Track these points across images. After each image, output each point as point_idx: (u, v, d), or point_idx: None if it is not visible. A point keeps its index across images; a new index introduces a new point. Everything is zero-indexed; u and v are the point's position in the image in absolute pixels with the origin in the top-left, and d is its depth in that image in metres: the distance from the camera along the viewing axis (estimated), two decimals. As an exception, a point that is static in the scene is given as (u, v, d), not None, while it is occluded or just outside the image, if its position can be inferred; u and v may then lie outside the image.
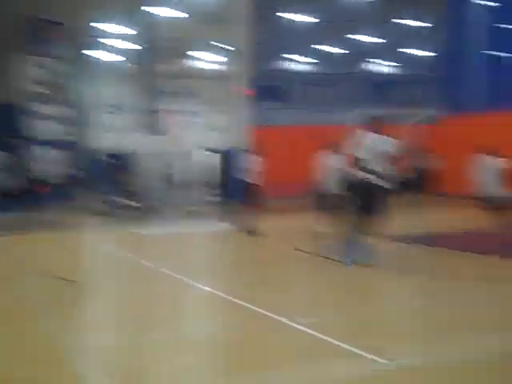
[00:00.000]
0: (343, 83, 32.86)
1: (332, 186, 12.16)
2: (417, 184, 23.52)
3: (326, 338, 5.58)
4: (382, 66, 35.31)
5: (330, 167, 12.36)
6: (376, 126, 9.60)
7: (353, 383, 4.56)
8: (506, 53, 26.18)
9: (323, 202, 12.59)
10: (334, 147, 12.60)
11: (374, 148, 9.23)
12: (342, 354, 5.19)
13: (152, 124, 24.13)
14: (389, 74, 34.52)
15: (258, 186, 13.48)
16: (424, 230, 12.28)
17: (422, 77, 31.21)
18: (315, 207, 12.67)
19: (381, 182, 9.07)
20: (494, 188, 12.19)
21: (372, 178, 8.99)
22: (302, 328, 5.98)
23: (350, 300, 7.42)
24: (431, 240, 11.53)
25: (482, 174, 12.45)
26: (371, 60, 34.54)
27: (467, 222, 14.50)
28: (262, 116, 27.63)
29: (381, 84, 31.24)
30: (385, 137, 9.45)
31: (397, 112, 24.51)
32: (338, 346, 5.36)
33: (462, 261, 9.62)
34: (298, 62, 32.37)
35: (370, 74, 34.69)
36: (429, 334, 5.75)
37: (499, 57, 26.63)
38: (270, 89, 29.99)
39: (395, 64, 35.04)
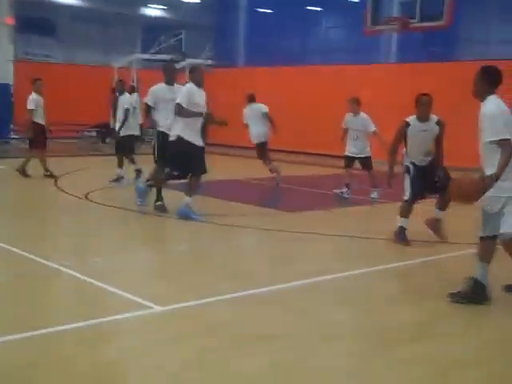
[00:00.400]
0: (115, 23, 32.10)
1: (124, 128, 12.10)
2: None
3: (95, 282, 5.58)
4: (154, 10, 35.05)
5: (123, 109, 12.12)
6: (170, 73, 9.50)
7: (125, 329, 4.66)
8: (273, 10, 27.56)
9: (116, 144, 12.48)
10: (123, 89, 12.43)
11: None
12: (112, 298, 5.26)
13: None
14: (160, 18, 34.41)
15: (35, 124, 12.51)
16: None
17: (194, 24, 31.62)
18: (116, 150, 12.46)
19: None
20: (262, 134, 12.86)
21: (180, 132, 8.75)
22: (68, 271, 5.88)
23: (123, 245, 7.42)
24: (206, 189, 11.91)
25: (250, 120, 13.00)
26: (143, 2, 34.09)
27: (240, 171, 15.26)
28: (30, 51, 26.10)
29: (151, 28, 31.02)
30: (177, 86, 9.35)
31: (165, 58, 24.76)
32: (105, 289, 5.42)
33: (230, 210, 9.99)
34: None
35: (142, 16, 34.30)
36: (193, 280, 6.00)
37: (267, 13, 27.95)
38: (39, 22, 28.34)
39: (166, 8, 34.98)
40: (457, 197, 5.50)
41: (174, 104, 8.58)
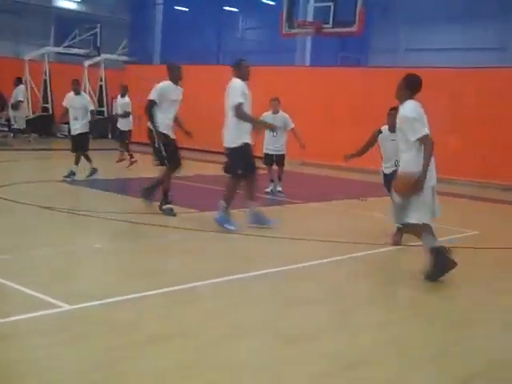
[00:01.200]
0: (27, 14, 31.15)
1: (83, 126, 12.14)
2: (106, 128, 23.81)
3: (1, 280, 5.45)
4: (68, 2, 34.27)
5: (88, 109, 12.15)
6: (176, 72, 8.99)
7: (30, 328, 4.57)
8: (190, 9, 27.47)
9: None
10: (78, 88, 12.42)
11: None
12: (19, 297, 5.17)
13: None
14: (75, 11, 33.67)
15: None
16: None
17: (109, 19, 31.07)
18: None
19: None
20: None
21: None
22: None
23: (32, 242, 7.19)
24: (118, 187, 12.04)
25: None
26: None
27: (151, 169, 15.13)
28: None
29: (65, 21, 30.26)
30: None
31: (79, 52, 24.29)
32: (12, 287, 5.32)
33: (144, 208, 9.98)
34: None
35: (55, 8, 33.46)
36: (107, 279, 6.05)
37: (183, 12, 27.83)
38: None
39: (81, 1, 34.25)
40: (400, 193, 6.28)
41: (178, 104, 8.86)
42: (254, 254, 7.33)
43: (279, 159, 11.83)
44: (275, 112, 11.71)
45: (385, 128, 8.19)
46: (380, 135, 8.20)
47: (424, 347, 4.67)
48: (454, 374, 4.22)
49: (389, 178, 7.95)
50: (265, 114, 11.69)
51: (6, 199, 9.55)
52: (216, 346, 4.42)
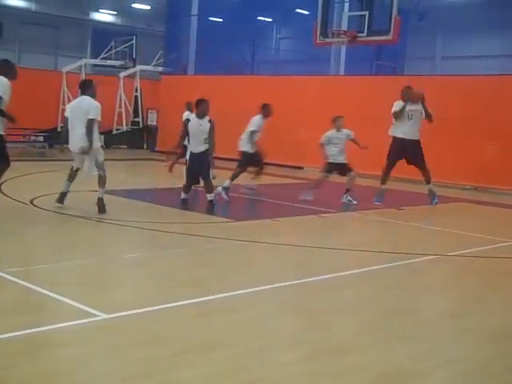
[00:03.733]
0: (65, 27, 31.70)
1: None
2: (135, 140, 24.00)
3: (39, 289, 5.52)
4: (104, 15, 34.79)
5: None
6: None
7: (68, 338, 4.61)
8: (224, 20, 27.63)
9: None
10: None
11: None
12: (57, 306, 5.22)
13: None
14: (111, 24, 34.15)
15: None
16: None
17: (145, 31, 31.43)
18: None
19: None
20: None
21: None
22: (12, 279, 5.75)
23: (69, 252, 7.27)
24: (153, 197, 12.12)
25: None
26: (94, 8, 33.75)
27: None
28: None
29: (101, 33, 30.73)
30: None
31: (115, 64, 24.60)
32: (50, 297, 5.37)
33: (179, 217, 10.05)
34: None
35: (92, 21, 33.99)
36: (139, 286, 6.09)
37: (216, 22, 28.00)
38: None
39: (117, 14, 34.74)
40: None
41: None
42: (288, 264, 7.29)
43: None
44: (339, 129, 11.97)
45: (192, 116, 10.24)
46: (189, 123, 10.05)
47: (460, 361, 4.56)
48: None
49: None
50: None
51: (43, 209, 9.70)
52: (251, 358, 4.38)
